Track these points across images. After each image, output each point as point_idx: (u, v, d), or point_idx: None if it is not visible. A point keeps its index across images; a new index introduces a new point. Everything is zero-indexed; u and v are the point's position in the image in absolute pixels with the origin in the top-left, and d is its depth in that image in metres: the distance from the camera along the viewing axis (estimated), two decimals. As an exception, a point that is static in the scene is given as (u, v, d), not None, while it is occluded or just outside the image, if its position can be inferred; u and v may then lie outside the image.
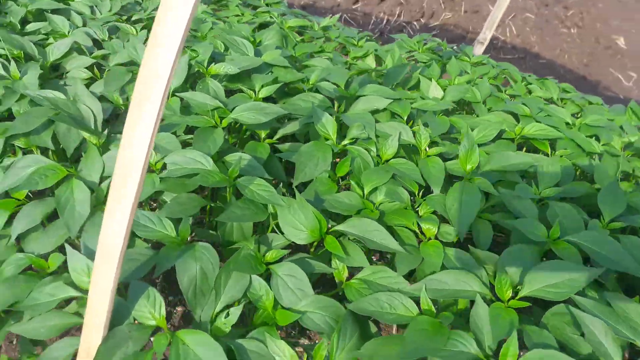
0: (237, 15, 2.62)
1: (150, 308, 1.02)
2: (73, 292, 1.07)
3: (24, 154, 1.40)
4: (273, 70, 1.79)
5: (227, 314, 1.05)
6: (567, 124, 1.99)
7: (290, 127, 1.57)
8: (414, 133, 1.53)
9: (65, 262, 1.17)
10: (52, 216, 1.23)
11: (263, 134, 1.55)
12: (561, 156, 1.71)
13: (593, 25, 7.37)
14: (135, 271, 1.08)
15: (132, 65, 1.66)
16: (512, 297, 1.14)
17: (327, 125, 1.47)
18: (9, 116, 1.45)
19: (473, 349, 1.00)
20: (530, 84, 2.56)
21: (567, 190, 1.51)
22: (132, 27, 1.98)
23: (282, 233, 1.28)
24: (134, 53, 1.67)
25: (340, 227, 1.23)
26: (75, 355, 1.03)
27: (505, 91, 2.39)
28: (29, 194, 1.29)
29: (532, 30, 7.39)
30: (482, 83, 2.18)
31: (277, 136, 1.57)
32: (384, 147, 1.46)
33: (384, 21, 7.41)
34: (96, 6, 2.11)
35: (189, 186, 1.26)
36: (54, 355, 1.02)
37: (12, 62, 1.49)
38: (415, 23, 7.28)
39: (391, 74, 2.01)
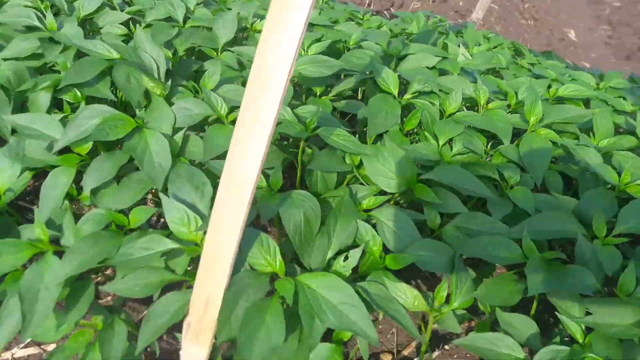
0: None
1: (265, 254, 0.96)
2: (171, 244, 0.99)
3: (72, 109, 1.29)
4: (314, 30, 1.74)
5: (346, 257, 1.00)
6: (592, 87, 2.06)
7: (345, 84, 1.53)
8: (473, 88, 1.53)
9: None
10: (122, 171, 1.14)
11: (319, 91, 1.50)
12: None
13: (546, 19, 7.79)
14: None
15: (171, 21, 1.57)
16: (607, 235, 1.16)
17: (388, 78, 1.45)
18: (51, 70, 1.33)
19: (591, 282, 1.01)
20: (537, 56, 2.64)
21: (618, 143, 1.56)
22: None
23: (367, 183, 1.24)
24: (171, 9, 1.58)
25: (429, 175, 1.21)
26: (179, 311, 0.96)
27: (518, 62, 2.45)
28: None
29: (497, 21, 7.66)
30: (503, 51, 2.22)
31: (333, 93, 1.53)
32: (448, 100, 1.45)
33: (354, 10, 7.46)
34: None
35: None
36: (160, 312, 0.94)
37: (49, 13, 1.37)
38: (385, 12, 7.35)
39: (421, 38, 2.01)
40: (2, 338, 0.92)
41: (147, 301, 1.28)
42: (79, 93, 1.28)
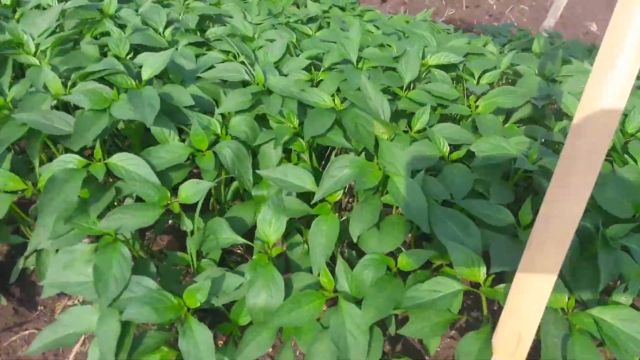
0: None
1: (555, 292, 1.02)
2: (459, 286, 1.05)
3: (299, 157, 1.37)
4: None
5: (626, 288, 1.06)
6: None
7: (523, 111, 1.60)
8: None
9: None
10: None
11: (501, 119, 1.57)
12: None
13: (569, 13, 7.89)
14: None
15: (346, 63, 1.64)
16: None
17: (571, 103, 1.51)
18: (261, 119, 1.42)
19: None
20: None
21: None
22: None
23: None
24: (344, 51, 1.66)
25: None
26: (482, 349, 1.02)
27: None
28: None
29: (529, 21, 7.74)
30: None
31: (512, 120, 1.59)
32: (627, 121, 1.52)
33: (390, 21, 7.52)
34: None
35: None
36: (465, 352, 1.00)
37: (257, 66, 1.45)
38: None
39: (550, 56, 2.07)
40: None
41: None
42: (303, 142, 1.35)
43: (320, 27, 1.99)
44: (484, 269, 1.09)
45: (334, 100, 1.39)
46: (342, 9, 3.06)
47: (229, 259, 1.54)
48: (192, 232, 1.24)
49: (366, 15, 2.60)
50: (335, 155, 1.47)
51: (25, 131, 1.18)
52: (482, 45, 2.52)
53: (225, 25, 1.89)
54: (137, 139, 1.47)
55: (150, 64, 1.35)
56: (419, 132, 1.42)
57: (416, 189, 1.19)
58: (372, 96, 1.34)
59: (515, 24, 7.39)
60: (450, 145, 1.34)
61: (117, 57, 1.42)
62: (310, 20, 2.15)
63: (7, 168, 1.21)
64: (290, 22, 2.05)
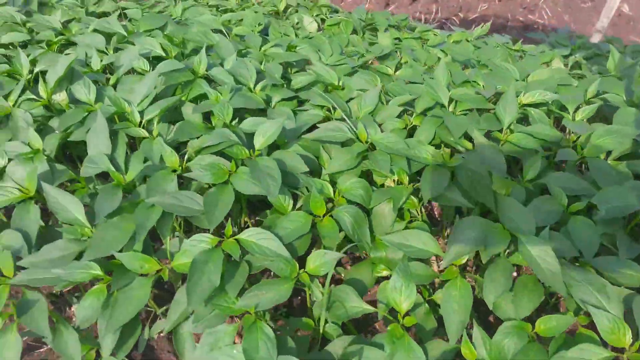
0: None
1: None
2: (606, 353, 1.06)
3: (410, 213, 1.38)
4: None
5: None
6: None
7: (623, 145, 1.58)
8: None
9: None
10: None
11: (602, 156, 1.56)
12: None
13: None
14: None
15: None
16: None
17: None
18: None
19: None
20: None
21: None
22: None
23: None
24: (435, 94, 1.66)
25: None
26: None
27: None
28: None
29: (564, 10, 7.62)
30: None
31: (613, 155, 1.58)
32: None
33: (422, 20, 7.48)
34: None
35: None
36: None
37: (360, 123, 1.47)
38: (454, 18, 7.36)
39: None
40: None
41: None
42: (415, 200, 1.37)
43: (398, 66, 2.00)
44: (629, 334, 1.09)
45: (442, 153, 1.41)
46: (397, 28, 3.06)
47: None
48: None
49: (429, 38, 2.59)
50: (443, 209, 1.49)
51: (160, 214, 1.23)
52: (549, 61, 2.50)
53: (306, 71, 1.91)
54: (244, 202, 1.51)
55: (263, 132, 1.38)
56: (530, 181, 1.42)
57: (547, 249, 1.19)
58: (486, 152, 1.34)
59: (550, 14, 7.29)
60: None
61: (226, 125, 1.46)
62: (384, 56, 2.16)
63: (138, 249, 1.26)
64: (365, 58, 2.06)
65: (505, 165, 1.35)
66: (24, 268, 1.25)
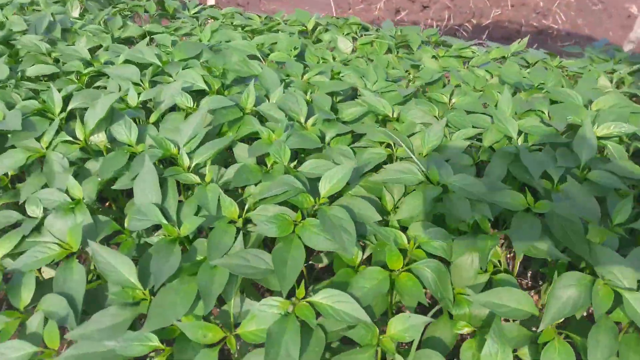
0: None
1: None
2: None
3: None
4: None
5: None
6: None
7: None
8: None
9: None
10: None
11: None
12: None
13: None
14: None
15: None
16: None
17: None
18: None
19: None
20: None
21: None
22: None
23: None
24: (505, 129, 1.55)
25: None
26: None
27: None
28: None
29: (577, 14, 7.55)
30: None
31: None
32: None
33: (434, 27, 7.40)
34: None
35: None
36: None
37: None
38: (467, 25, 7.28)
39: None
40: None
41: None
42: (500, 251, 1.25)
43: (451, 92, 1.88)
44: None
45: (525, 197, 1.29)
46: (428, 44, 2.95)
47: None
48: None
49: (468, 56, 2.47)
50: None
51: (226, 277, 1.11)
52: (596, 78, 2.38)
53: (352, 100, 1.80)
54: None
55: (329, 178, 1.27)
56: (620, 224, 1.30)
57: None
58: (576, 194, 1.22)
59: (564, 19, 7.20)
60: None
61: (285, 169, 1.34)
62: (432, 82, 2.04)
63: (199, 314, 1.14)
64: (415, 84, 1.95)
65: (599, 211, 1.23)
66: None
